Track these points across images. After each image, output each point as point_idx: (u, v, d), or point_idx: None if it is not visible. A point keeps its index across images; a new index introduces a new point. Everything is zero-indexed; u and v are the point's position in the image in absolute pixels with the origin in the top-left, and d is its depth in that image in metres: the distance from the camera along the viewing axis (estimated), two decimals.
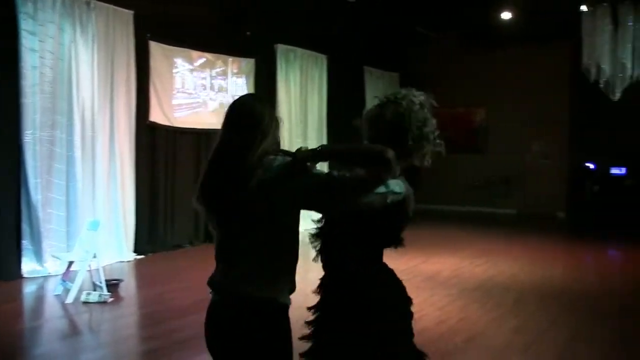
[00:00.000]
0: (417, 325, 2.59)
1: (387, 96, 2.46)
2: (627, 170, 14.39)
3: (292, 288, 2.22)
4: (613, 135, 14.24)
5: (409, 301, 2.42)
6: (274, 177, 2.06)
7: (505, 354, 4.88)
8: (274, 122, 2.23)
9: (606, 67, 9.35)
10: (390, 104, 2.43)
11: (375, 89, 14.24)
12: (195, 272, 7.88)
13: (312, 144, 11.98)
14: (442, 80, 15.66)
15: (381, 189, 2.15)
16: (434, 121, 2.45)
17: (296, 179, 2.06)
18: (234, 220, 2.13)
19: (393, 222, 2.33)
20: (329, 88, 12.46)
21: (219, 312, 2.18)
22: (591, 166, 14.83)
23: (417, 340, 2.53)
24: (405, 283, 2.55)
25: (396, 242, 2.38)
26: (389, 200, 2.20)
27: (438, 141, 2.44)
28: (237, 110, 2.22)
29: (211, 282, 2.22)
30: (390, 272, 2.40)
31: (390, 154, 2.01)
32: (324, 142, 12.27)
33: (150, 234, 9.28)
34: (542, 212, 14.50)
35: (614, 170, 14.56)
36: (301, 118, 11.81)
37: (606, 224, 13.34)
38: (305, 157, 2.08)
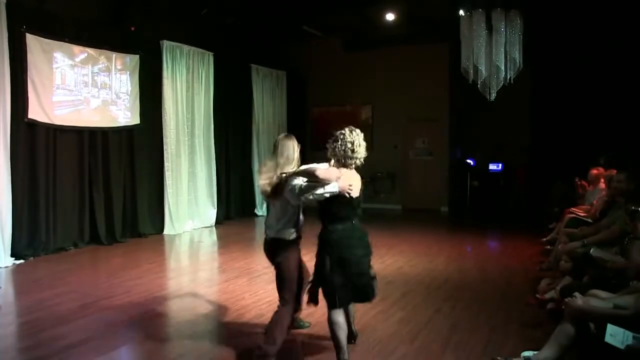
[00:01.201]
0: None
1: (333, 134, 4.49)
2: (502, 166, 15.20)
3: (296, 234, 4.55)
4: (490, 133, 15.00)
5: (337, 248, 4.26)
6: (282, 183, 4.40)
7: (393, 344, 5.01)
8: (297, 150, 4.63)
9: (483, 69, 9.73)
10: (333, 140, 4.47)
11: (263, 88, 14.28)
12: (79, 276, 7.57)
13: (200, 143, 11.82)
14: (330, 79, 15.95)
15: (320, 190, 4.22)
16: (354, 146, 4.47)
17: (286, 184, 4.37)
18: (270, 201, 4.58)
19: (334, 203, 4.28)
20: (216, 86, 12.31)
21: (265, 242, 4.62)
22: (471, 162, 15.53)
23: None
24: None
25: (344, 212, 4.33)
26: (327, 195, 4.24)
27: (358, 156, 4.46)
28: (278, 144, 4.61)
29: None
30: (337, 231, 4.30)
31: (318, 172, 4.19)
32: (211, 141, 12.26)
33: (31, 238, 8.81)
34: (426, 207, 15.00)
35: (492, 167, 15.33)
36: (188, 117, 11.58)
37: (485, 217, 14.05)
38: (289, 175, 4.37)
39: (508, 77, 9.70)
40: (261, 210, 14.14)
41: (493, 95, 9.79)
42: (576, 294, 4.27)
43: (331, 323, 4.29)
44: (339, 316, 4.30)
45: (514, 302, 6.33)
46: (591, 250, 5.49)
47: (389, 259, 8.67)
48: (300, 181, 4.31)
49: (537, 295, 6.13)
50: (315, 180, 4.22)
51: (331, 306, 4.31)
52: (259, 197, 14.15)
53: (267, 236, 4.62)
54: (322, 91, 16.11)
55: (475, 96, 10.25)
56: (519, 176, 14.89)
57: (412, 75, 15.06)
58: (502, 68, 9.61)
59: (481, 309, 6.09)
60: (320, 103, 16.26)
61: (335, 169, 4.36)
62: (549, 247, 8.51)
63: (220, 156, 12.73)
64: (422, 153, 15.44)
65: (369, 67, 15.53)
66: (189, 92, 11.60)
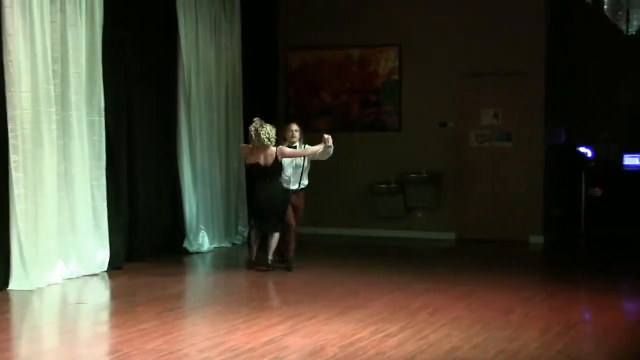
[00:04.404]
0: None
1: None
2: None
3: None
4: (625, 99, 14.82)
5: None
6: None
7: None
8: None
9: None
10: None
11: (197, 16, 14.48)
12: None
13: (80, 117, 11.75)
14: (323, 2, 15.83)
15: None
16: (256, 133, 12.19)
17: None
18: None
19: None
20: (108, 12, 12.31)
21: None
22: (588, 153, 15.31)
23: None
24: None
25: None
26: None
27: (261, 139, 12.17)
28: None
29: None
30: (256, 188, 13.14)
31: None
32: (99, 113, 12.31)
33: None
34: (502, 235, 14.96)
35: (629, 160, 15.07)
36: (55, 68, 11.39)
37: (618, 254, 13.84)
38: None
39: None
40: (195, 243, 14.33)
41: (635, 26, 9.65)
42: None
43: (248, 238, 13.70)
44: (254, 236, 12.76)
45: None
46: None
47: (433, 333, 8.57)
48: None
49: None
50: None
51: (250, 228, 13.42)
52: (191, 218, 14.36)
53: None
54: (307, 23, 15.96)
55: (597, 30, 10.08)
56: None
57: None
58: None
59: None
60: (304, 44, 16.11)
61: (246, 148, 12.63)
62: None
63: (118, 142, 12.74)
64: (494, 136, 15.47)
65: None
66: (55, 24, 11.46)
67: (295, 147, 12.54)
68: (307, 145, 12.58)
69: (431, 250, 14.67)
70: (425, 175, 15.44)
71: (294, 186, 12.65)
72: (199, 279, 13.28)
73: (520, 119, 15.09)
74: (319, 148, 12.24)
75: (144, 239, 13.56)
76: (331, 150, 12.25)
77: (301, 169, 12.69)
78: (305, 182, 12.81)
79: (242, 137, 15.39)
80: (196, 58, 14.43)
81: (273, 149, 12.09)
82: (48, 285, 11.17)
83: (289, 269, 12.43)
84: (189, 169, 14.33)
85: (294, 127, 12.72)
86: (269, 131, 12.11)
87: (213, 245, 14.71)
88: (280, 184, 12.44)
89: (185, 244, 14.21)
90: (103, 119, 12.26)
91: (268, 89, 16.26)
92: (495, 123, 15.35)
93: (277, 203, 12.31)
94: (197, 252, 14.25)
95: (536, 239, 14.94)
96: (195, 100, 14.38)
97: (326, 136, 12.11)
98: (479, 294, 10.74)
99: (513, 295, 10.70)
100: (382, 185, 15.63)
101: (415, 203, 15.52)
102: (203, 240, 14.49)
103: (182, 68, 14.13)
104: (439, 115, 15.33)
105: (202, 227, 14.52)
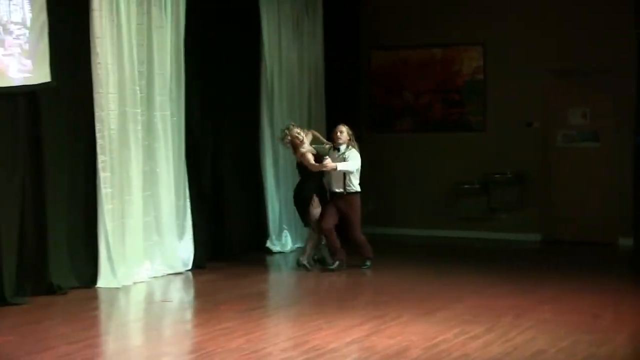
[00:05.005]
0: None
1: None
2: None
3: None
4: None
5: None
6: None
7: None
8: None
9: None
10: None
11: (279, 17, 14.38)
12: None
13: (165, 118, 11.86)
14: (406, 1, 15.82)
15: None
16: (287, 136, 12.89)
17: None
18: None
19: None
20: (191, 14, 12.47)
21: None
22: None
23: None
24: None
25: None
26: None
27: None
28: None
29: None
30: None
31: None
32: (181, 114, 12.54)
33: None
34: (590, 237, 14.79)
35: None
36: (141, 70, 11.66)
37: None
38: None
39: None
40: (278, 243, 14.47)
41: None
42: None
43: None
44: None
45: None
46: None
47: (519, 335, 8.52)
48: None
49: None
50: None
51: None
52: (274, 218, 14.53)
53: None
54: (389, 22, 15.95)
55: None
56: None
57: None
58: None
59: None
60: (386, 44, 16.10)
61: None
62: None
63: (202, 143, 12.92)
64: (582, 136, 15.30)
65: None
66: (141, 26, 11.62)
67: (338, 149, 12.61)
68: (353, 150, 12.64)
69: (516, 251, 14.56)
70: (509, 175, 15.29)
71: (338, 189, 12.61)
72: (282, 279, 13.33)
73: (610, 118, 14.84)
74: (321, 168, 12.43)
75: (228, 239, 13.72)
76: (340, 170, 12.38)
77: (342, 172, 12.49)
78: (352, 188, 12.55)
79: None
80: (279, 58, 14.49)
81: (301, 149, 12.66)
82: (134, 283, 11.39)
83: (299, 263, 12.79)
84: (272, 169, 14.47)
85: (341, 128, 12.69)
86: (291, 132, 12.73)
87: (296, 245, 14.71)
88: (311, 182, 12.82)
89: (269, 244, 14.34)
90: (186, 120, 12.48)
91: (350, 89, 16.19)
92: (583, 122, 15.13)
93: (298, 197, 12.93)
94: (280, 252, 14.38)
95: (626, 241, 14.69)
96: (277, 101, 14.46)
97: (324, 163, 12.32)
98: (565, 296, 10.64)
99: (601, 298, 10.54)
100: (466, 186, 15.59)
101: (499, 204, 15.37)
102: (286, 240, 14.62)
103: (265, 68, 14.22)
104: (524, 114, 15.17)
105: (285, 227, 14.63)
